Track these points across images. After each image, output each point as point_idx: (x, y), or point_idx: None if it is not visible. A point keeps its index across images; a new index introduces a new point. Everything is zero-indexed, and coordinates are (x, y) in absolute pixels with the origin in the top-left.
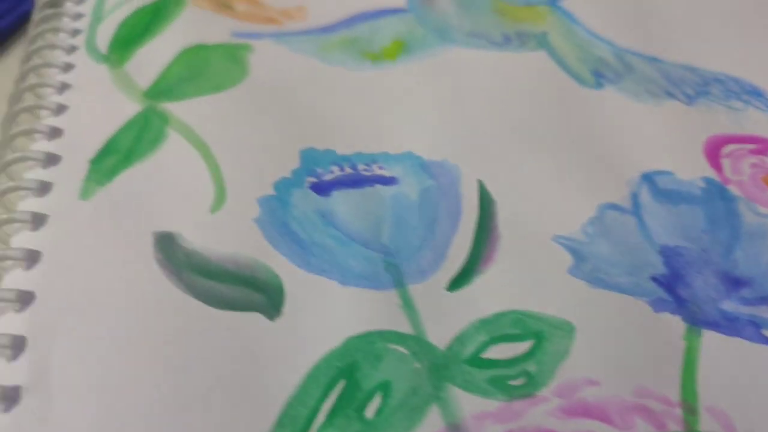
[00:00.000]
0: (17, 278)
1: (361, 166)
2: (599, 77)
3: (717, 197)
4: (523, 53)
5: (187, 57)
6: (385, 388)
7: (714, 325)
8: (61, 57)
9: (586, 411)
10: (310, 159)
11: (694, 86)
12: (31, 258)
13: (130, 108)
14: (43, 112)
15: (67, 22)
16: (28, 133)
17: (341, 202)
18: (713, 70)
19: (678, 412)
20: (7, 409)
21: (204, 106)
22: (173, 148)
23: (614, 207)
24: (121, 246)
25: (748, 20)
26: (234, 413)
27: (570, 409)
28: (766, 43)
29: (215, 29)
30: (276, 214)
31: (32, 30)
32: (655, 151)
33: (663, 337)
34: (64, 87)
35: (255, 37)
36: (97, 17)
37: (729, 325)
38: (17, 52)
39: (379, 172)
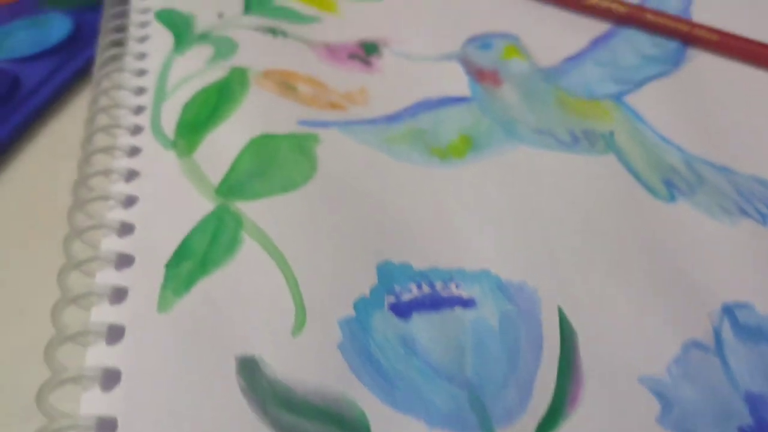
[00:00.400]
0: (95, 400)
1: (438, 284)
2: (671, 188)
3: None
4: (593, 156)
5: (255, 148)
6: None
7: None
8: (125, 138)
9: None
10: (388, 275)
11: (767, 202)
12: (110, 378)
13: (202, 205)
14: (111, 203)
15: (128, 97)
16: (97, 228)
17: (422, 327)
18: None
19: None
20: None
21: (277, 208)
22: (249, 255)
23: (698, 345)
24: (203, 369)
25: None
26: None
27: None
28: None
29: (281, 116)
30: (358, 340)
31: (92, 105)
32: (734, 279)
33: None
34: (131, 175)
35: (321, 125)
36: (161, 94)
37: None
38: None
39: (456, 292)
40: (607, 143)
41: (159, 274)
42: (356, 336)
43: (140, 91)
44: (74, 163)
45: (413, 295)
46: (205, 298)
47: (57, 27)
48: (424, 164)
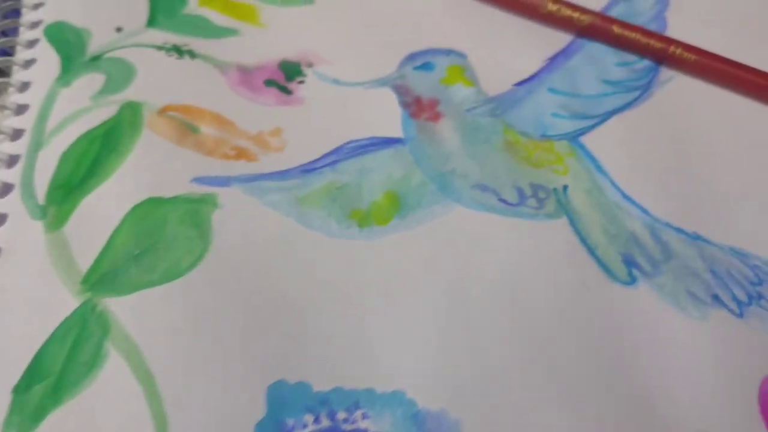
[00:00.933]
0: None
1: (341, 414)
2: (632, 266)
3: None
4: (541, 221)
5: (137, 220)
6: None
7: None
8: None
9: None
10: (280, 401)
11: (745, 285)
12: None
13: (64, 302)
14: None
15: (3, 142)
16: None
17: None
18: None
19: None
20: None
21: (154, 307)
22: (112, 376)
23: None
24: None
25: None
26: None
27: None
28: None
29: (174, 171)
30: None
31: None
32: (704, 400)
33: None
34: None
35: (221, 183)
36: (38, 140)
37: None
38: None
39: (362, 425)
40: (559, 202)
41: (4, 402)
42: None
43: (17, 134)
44: None
45: (309, 430)
46: None
47: None
48: (340, 235)
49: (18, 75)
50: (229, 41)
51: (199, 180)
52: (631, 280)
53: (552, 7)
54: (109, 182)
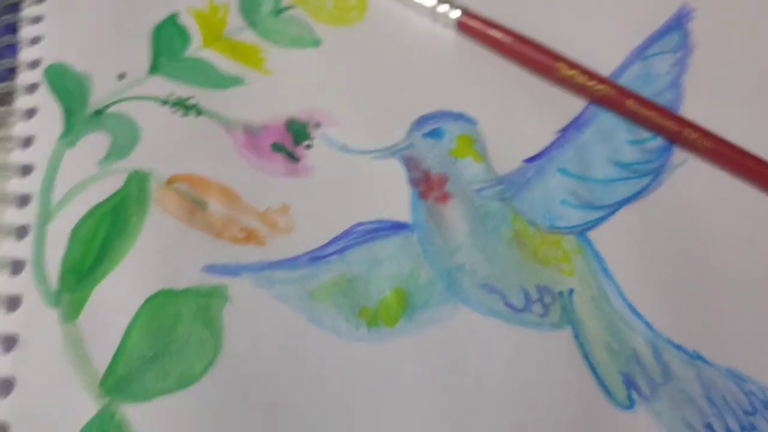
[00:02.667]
0: None
1: None
2: (631, 388)
3: None
4: (545, 332)
5: (151, 316)
6: None
7: None
8: (3, 281)
9: None
10: None
11: (739, 414)
12: None
13: (84, 406)
14: None
15: (9, 209)
16: None
17: None
18: (763, 382)
19: None
20: None
21: (170, 417)
22: None
23: None
24: None
25: None
26: None
27: None
28: None
29: (185, 258)
30: None
31: None
32: None
33: None
34: (9, 342)
35: (232, 272)
36: (46, 212)
37: None
38: None
39: None
40: (565, 309)
41: None
42: None
43: (24, 201)
44: None
45: None
46: None
47: None
48: (349, 336)
49: (20, 127)
50: (234, 93)
51: (210, 269)
52: (630, 404)
53: (567, 72)
54: (121, 268)
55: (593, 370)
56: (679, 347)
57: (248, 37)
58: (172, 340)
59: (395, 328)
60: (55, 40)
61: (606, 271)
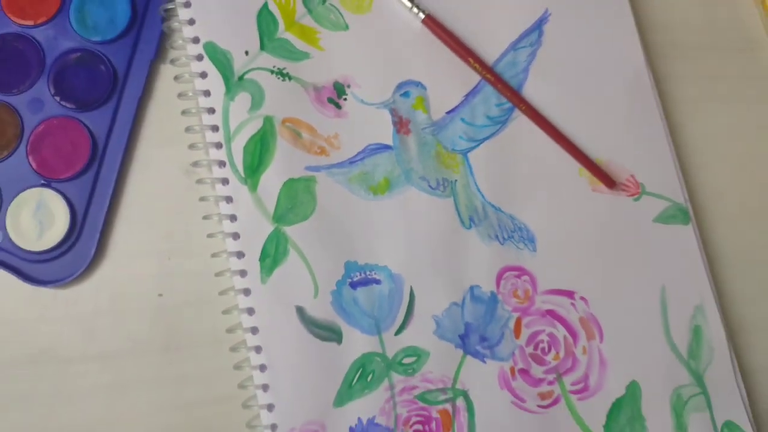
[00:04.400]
0: None
1: (367, 273)
2: (471, 221)
3: (492, 302)
4: (443, 199)
5: (286, 190)
6: None
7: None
8: (215, 170)
9: None
10: (349, 268)
11: (508, 232)
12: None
13: (267, 228)
14: (219, 234)
15: (207, 131)
16: (217, 255)
17: (361, 293)
18: (522, 219)
19: None
20: None
21: (302, 231)
22: (294, 259)
23: (456, 305)
24: (285, 315)
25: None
26: None
27: None
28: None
29: (295, 162)
30: (338, 300)
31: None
32: (480, 273)
33: None
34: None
35: (315, 170)
36: (228, 136)
37: None
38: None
39: (373, 276)
40: (452, 189)
41: (255, 267)
42: (337, 298)
43: (215, 128)
44: (178, 150)
45: (358, 278)
46: (279, 279)
47: (120, 8)
48: (366, 198)
49: (199, 83)
50: (306, 64)
51: (308, 168)
52: (470, 226)
53: (473, 63)
54: (270, 169)
55: (458, 211)
56: (492, 205)
57: (308, 21)
58: (296, 200)
59: (384, 195)
60: (203, 23)
61: (471, 172)
